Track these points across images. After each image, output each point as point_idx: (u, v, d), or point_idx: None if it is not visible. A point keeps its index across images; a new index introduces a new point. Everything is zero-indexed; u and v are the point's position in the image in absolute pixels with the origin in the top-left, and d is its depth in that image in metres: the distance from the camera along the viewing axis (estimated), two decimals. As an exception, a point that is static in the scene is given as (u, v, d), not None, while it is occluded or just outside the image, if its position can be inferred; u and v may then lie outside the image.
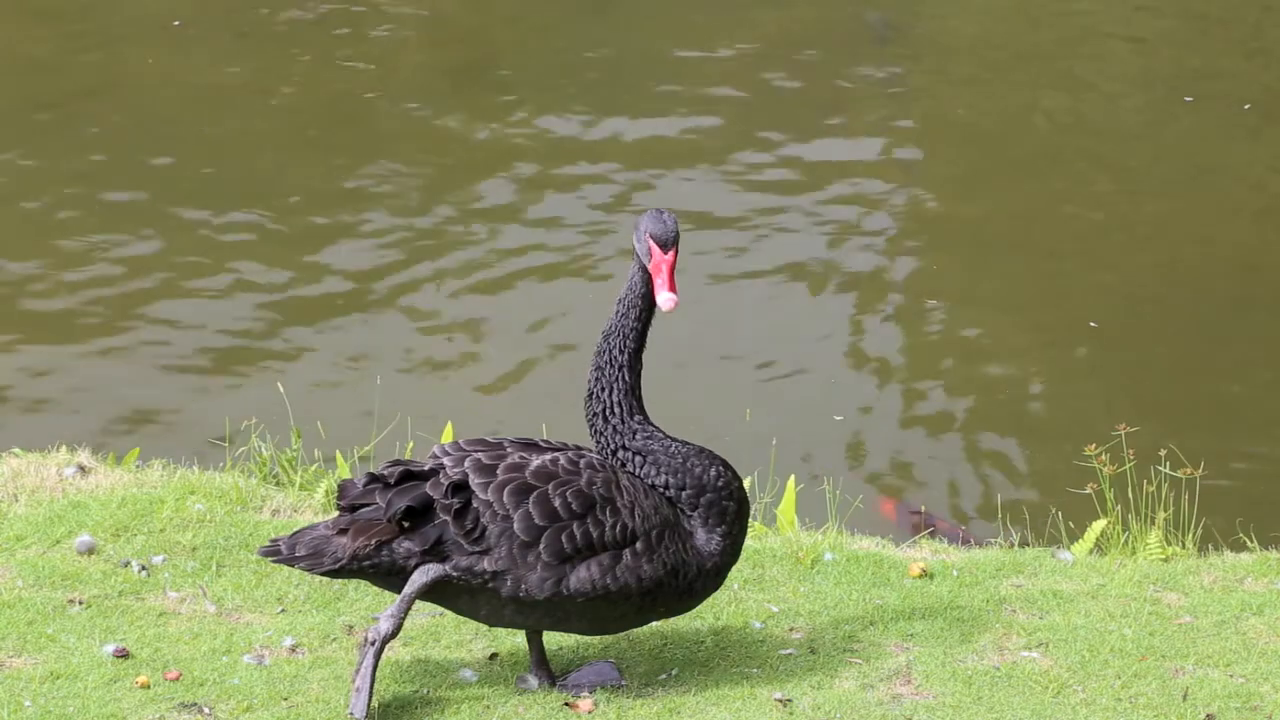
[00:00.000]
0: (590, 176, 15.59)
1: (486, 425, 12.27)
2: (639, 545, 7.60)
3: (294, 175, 15.48)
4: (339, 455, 10.18)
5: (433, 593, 7.57)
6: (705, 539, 7.73)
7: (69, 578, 8.65)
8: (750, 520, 8.02)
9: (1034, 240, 14.78)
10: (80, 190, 15.09)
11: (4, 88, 16.68)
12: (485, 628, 8.25)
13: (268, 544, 7.70)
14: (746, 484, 9.05)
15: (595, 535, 7.55)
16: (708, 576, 7.74)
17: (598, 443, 7.78)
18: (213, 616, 8.45)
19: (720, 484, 7.74)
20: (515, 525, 7.50)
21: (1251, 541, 9.48)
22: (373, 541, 7.52)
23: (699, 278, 14.11)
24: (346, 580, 8.13)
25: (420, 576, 7.51)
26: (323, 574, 7.58)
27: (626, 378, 7.74)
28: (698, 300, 13.81)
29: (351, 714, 7.53)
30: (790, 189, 15.46)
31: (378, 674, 7.69)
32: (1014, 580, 8.94)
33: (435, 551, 7.52)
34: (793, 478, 10.01)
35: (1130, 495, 9.56)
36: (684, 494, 7.73)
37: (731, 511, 7.75)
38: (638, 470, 7.74)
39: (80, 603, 8.46)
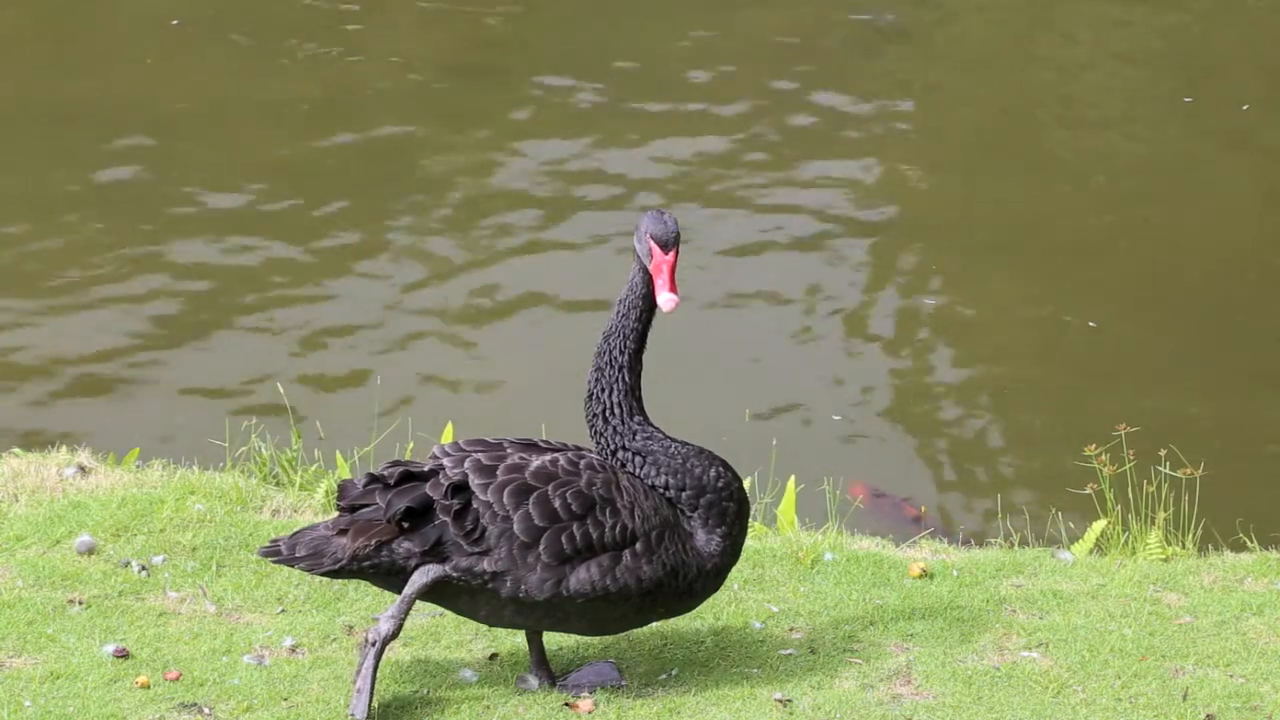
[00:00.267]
0: (591, 177, 15.58)
1: (487, 425, 12.26)
2: (639, 546, 7.60)
3: (293, 175, 15.48)
4: (339, 455, 10.18)
5: (433, 593, 7.57)
6: (705, 540, 7.73)
7: (69, 578, 8.65)
8: (750, 520, 8.01)
9: (1033, 240, 14.78)
10: (79, 190, 15.08)
11: (3, 88, 16.68)
12: (485, 628, 8.25)
13: (268, 544, 7.70)
14: (746, 484, 9.06)
15: (595, 536, 7.55)
16: (708, 577, 7.74)
17: (597, 443, 7.78)
18: (213, 616, 8.45)
19: (720, 484, 7.74)
20: (515, 526, 7.50)
21: (1251, 541, 9.48)
22: (372, 542, 7.52)
23: (699, 278, 14.10)
24: (346, 580, 8.14)
25: (420, 577, 7.51)
26: (322, 574, 7.58)
27: (626, 378, 7.73)
28: (698, 300, 13.81)
29: (352, 714, 7.53)
30: (789, 190, 15.45)
31: (378, 674, 7.69)
32: (1014, 580, 8.94)
33: (435, 552, 7.52)
34: (793, 478, 10.01)
35: (1130, 495, 9.56)
36: (684, 495, 7.73)
37: (731, 512, 7.75)
38: (637, 471, 7.74)
39: (80, 603, 8.46)
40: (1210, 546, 9.52)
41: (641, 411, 7.78)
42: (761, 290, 14.11)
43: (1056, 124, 16.55)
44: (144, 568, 8.75)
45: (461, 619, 8.19)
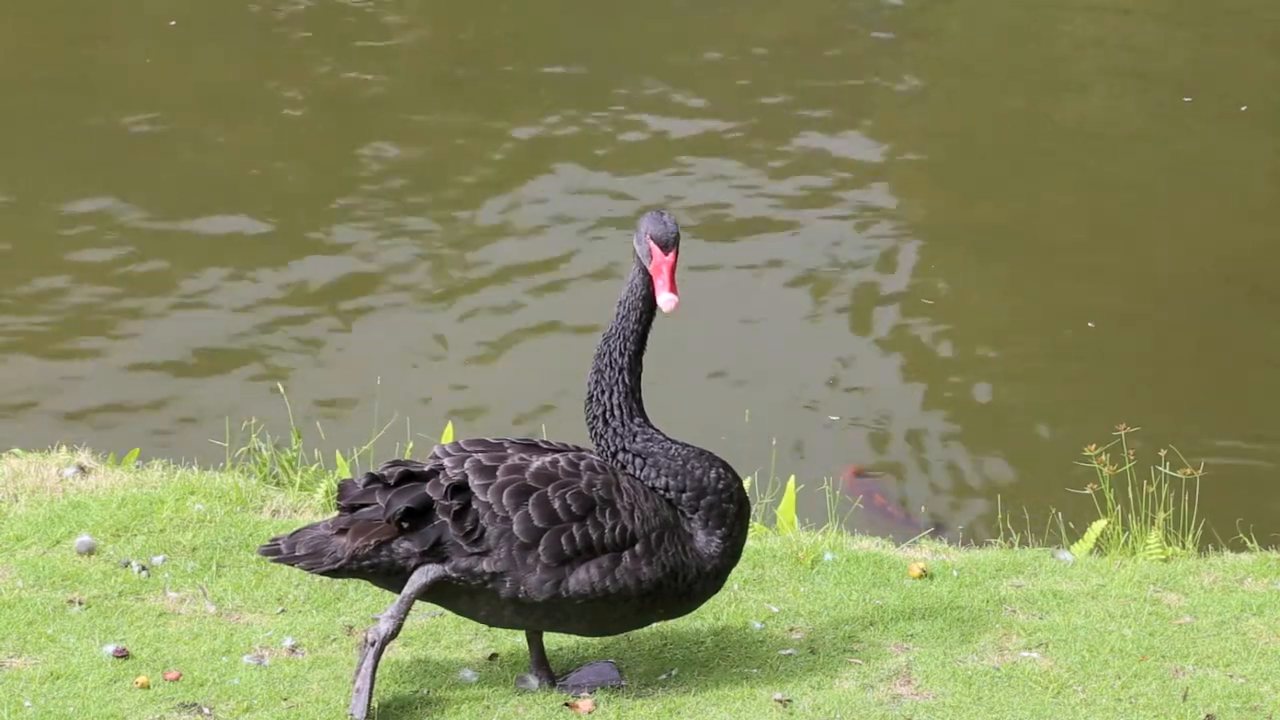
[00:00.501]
0: (591, 177, 15.59)
1: (487, 426, 12.27)
2: (638, 547, 7.59)
3: (293, 175, 15.48)
4: (339, 455, 10.18)
5: (432, 593, 7.57)
6: (705, 541, 7.73)
7: (69, 578, 8.65)
8: (750, 521, 8.01)
9: (1033, 240, 14.78)
10: (78, 190, 15.08)
11: (2, 88, 16.68)
12: (485, 628, 8.25)
13: (267, 543, 7.70)
14: (746, 484, 9.05)
15: (594, 537, 7.55)
16: (707, 579, 7.74)
17: (598, 445, 7.78)
18: (213, 617, 8.45)
19: (720, 486, 7.73)
20: (514, 527, 7.50)
21: (1251, 542, 9.48)
22: (372, 542, 7.52)
23: (698, 278, 14.10)
24: (346, 580, 8.14)
25: (420, 577, 7.51)
26: (322, 573, 7.58)
27: (627, 380, 7.73)
28: (697, 301, 13.81)
29: (352, 714, 7.53)
30: (788, 190, 15.45)
31: (378, 674, 7.69)
32: (1014, 580, 8.94)
33: (435, 552, 7.52)
34: (793, 478, 10.01)
35: (1130, 495, 9.56)
36: (684, 496, 7.73)
37: (731, 514, 7.75)
38: (638, 472, 7.73)
39: (80, 603, 8.46)
40: (1210, 547, 9.52)
41: (642, 413, 7.78)
42: (761, 290, 14.11)
43: (1056, 124, 16.54)
44: (144, 568, 8.75)
45: (461, 619, 8.19)
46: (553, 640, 8.11)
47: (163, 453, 10.15)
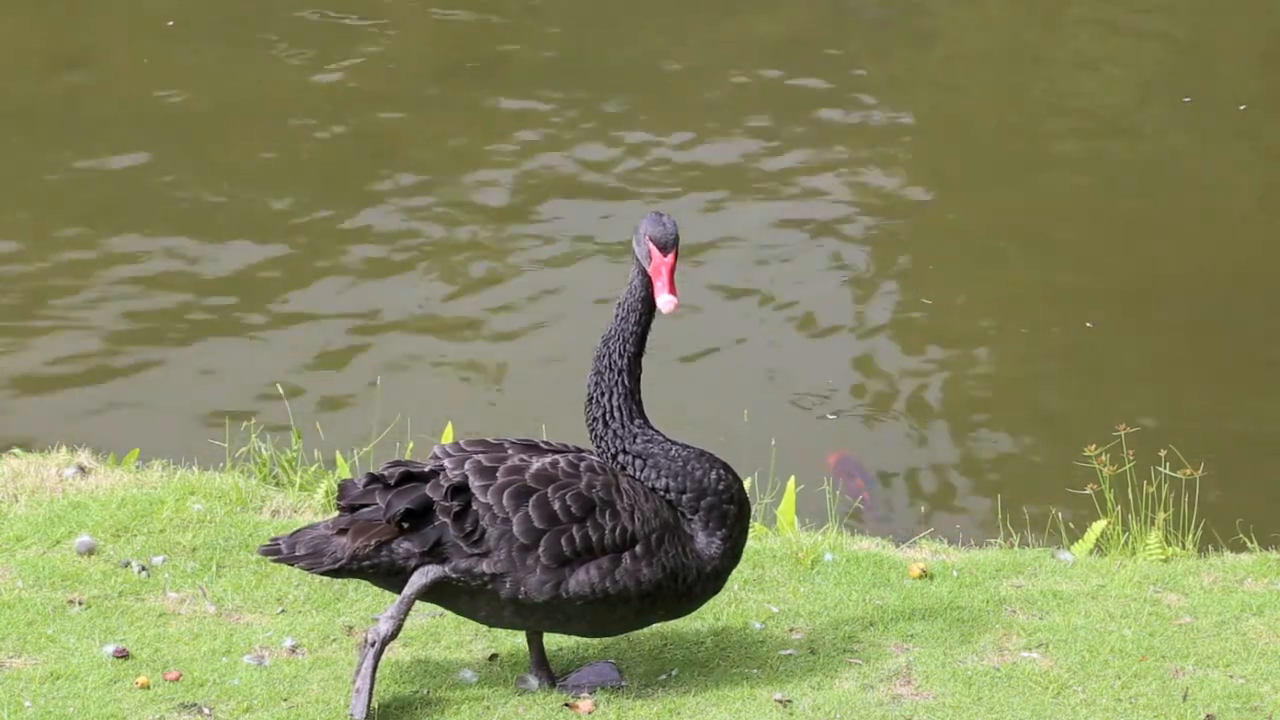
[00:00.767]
0: (591, 178, 15.58)
1: (487, 426, 12.27)
2: (638, 549, 7.59)
3: (293, 175, 15.47)
4: (339, 456, 10.18)
5: (432, 594, 7.57)
6: (705, 543, 7.72)
7: (69, 578, 8.65)
8: (750, 522, 8.00)
9: (1033, 240, 14.78)
10: (77, 191, 15.08)
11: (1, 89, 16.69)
12: (485, 628, 8.25)
13: (268, 543, 7.70)
14: (746, 485, 9.04)
15: (594, 538, 7.54)
16: (707, 580, 7.73)
17: (598, 447, 7.77)
18: (213, 617, 8.45)
19: (721, 487, 7.73)
20: (514, 528, 7.50)
21: (1251, 542, 9.48)
22: (372, 542, 7.52)
23: (698, 278, 14.10)
24: (346, 580, 8.14)
25: (420, 578, 7.51)
26: (322, 574, 7.58)
27: (626, 382, 7.73)
28: (696, 301, 13.81)
29: (352, 715, 7.53)
30: (786, 190, 15.44)
31: (377, 675, 7.69)
32: (1014, 581, 8.94)
33: (435, 553, 7.52)
34: (793, 478, 10.01)
35: (1130, 496, 9.56)
36: (684, 497, 7.72)
37: (732, 515, 7.74)
38: (638, 474, 7.73)
39: (80, 603, 8.46)
40: (1210, 547, 9.52)
41: (642, 414, 7.77)
42: (760, 291, 14.11)
43: (1055, 124, 16.54)
44: (144, 568, 8.75)
45: (461, 619, 8.19)
46: (553, 640, 8.11)
47: (163, 453, 10.15)
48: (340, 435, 10.97)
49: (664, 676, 8.02)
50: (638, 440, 7.73)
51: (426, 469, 7.60)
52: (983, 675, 8.04)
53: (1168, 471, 9.62)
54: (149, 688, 7.81)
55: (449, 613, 8.08)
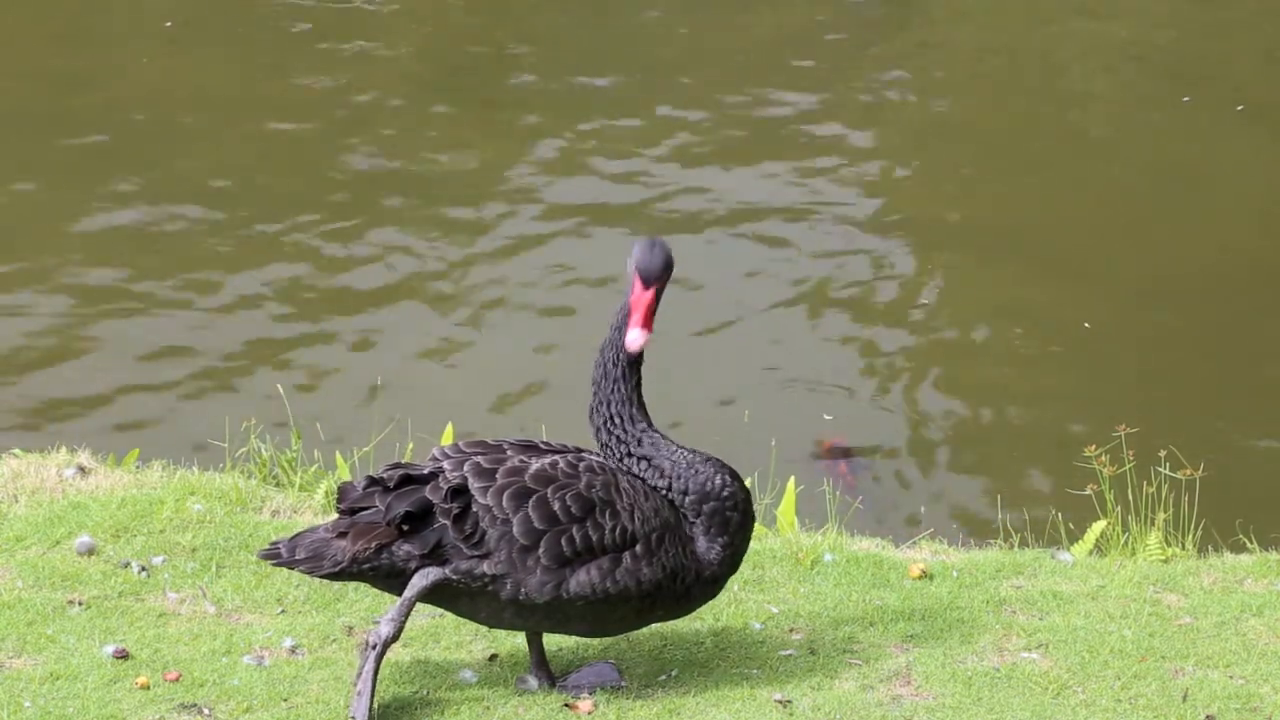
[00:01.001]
0: (590, 177, 15.59)
1: (486, 427, 12.27)
2: (638, 548, 7.59)
3: (293, 175, 15.48)
4: (339, 456, 10.18)
5: (433, 595, 7.57)
6: (705, 548, 7.71)
7: (69, 578, 8.65)
8: (752, 532, 7.95)
9: (1032, 240, 14.78)
10: (76, 191, 15.09)
11: None
12: (485, 629, 8.25)
13: (267, 547, 7.70)
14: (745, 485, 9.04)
15: (595, 538, 7.54)
16: (704, 584, 7.72)
17: (604, 453, 7.76)
18: (212, 617, 8.45)
19: (725, 494, 7.71)
20: (514, 529, 7.50)
21: (1251, 543, 9.48)
22: (372, 545, 7.52)
23: (697, 277, 14.11)
24: (346, 581, 8.14)
25: (420, 580, 7.50)
26: (322, 577, 7.58)
27: (623, 389, 7.70)
28: (696, 301, 13.82)
29: (352, 716, 7.53)
30: (785, 190, 15.45)
31: (378, 676, 7.69)
32: (1014, 581, 8.94)
33: (435, 555, 7.51)
34: (792, 479, 10.01)
35: (1130, 496, 9.57)
36: (687, 499, 7.72)
37: (734, 523, 7.72)
38: (642, 473, 7.72)
39: (80, 603, 8.46)
40: (1210, 547, 9.52)
41: (645, 418, 7.76)
42: (760, 290, 14.11)
43: (1054, 123, 16.55)
44: (144, 568, 8.75)
45: (461, 620, 8.19)
46: (552, 641, 8.11)
47: (162, 453, 10.15)
48: (340, 436, 10.98)
49: (664, 677, 8.02)
50: (642, 444, 7.73)
51: (426, 471, 7.59)
52: (983, 676, 8.04)
53: (1167, 472, 9.62)
54: (149, 688, 7.81)
55: (449, 614, 8.08)
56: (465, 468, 7.55)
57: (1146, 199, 15.37)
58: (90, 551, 8.84)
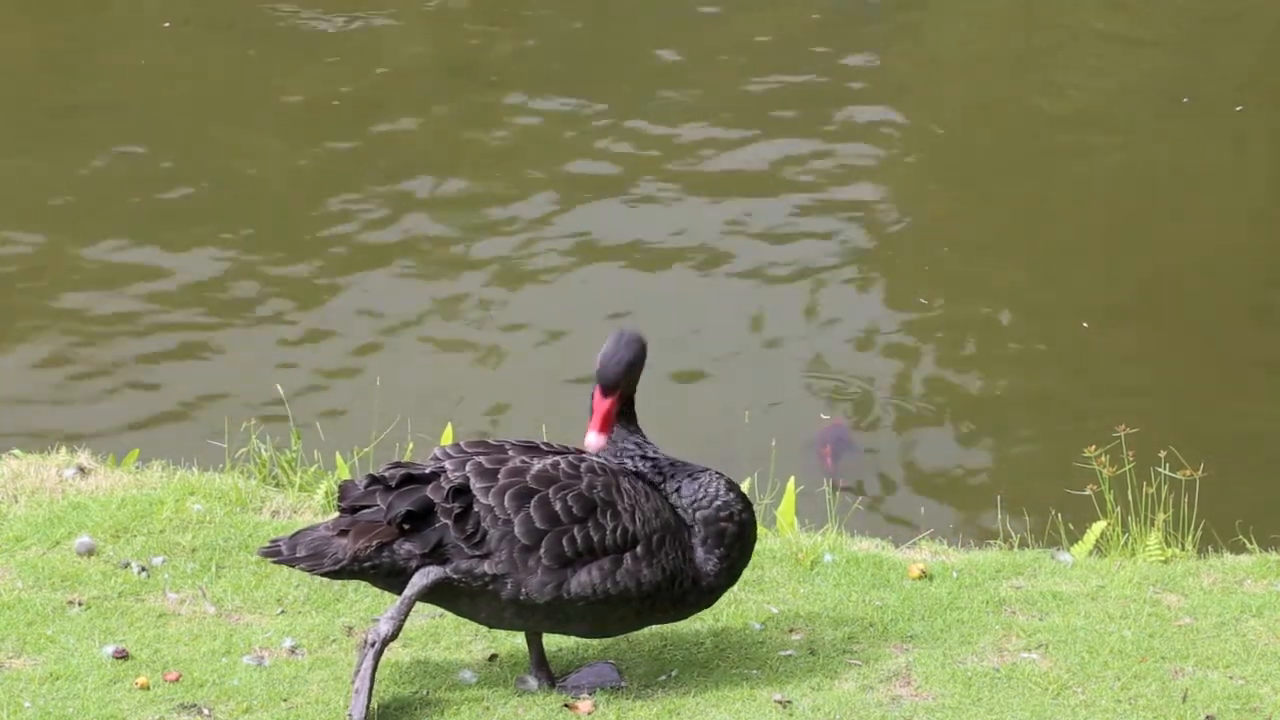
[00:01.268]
0: (590, 178, 15.58)
1: (486, 426, 12.27)
2: (639, 549, 7.59)
3: (292, 176, 15.47)
4: (339, 456, 10.18)
5: (433, 594, 7.58)
6: (703, 559, 7.71)
7: (68, 579, 8.64)
8: (752, 550, 7.92)
9: (1031, 240, 14.78)
10: (75, 191, 15.08)
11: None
12: (484, 629, 8.25)
13: (268, 544, 7.70)
14: (745, 486, 9.04)
15: (596, 539, 7.55)
16: (701, 592, 7.73)
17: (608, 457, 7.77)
18: (212, 618, 8.45)
19: (719, 503, 7.71)
20: (516, 529, 7.50)
21: (1251, 543, 9.48)
22: (373, 543, 7.52)
23: (697, 278, 14.10)
24: (346, 581, 8.14)
25: (421, 579, 7.51)
26: (323, 575, 7.58)
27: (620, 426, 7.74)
28: (696, 301, 13.81)
29: (351, 715, 7.54)
30: (785, 190, 15.44)
31: (377, 675, 7.69)
32: (1014, 582, 8.94)
33: (436, 554, 7.52)
34: (792, 479, 10.01)
35: (1130, 497, 9.56)
36: (685, 501, 7.72)
37: (730, 535, 7.71)
38: (646, 470, 7.73)
39: (80, 604, 8.46)
40: (1210, 548, 9.51)
41: (639, 433, 7.77)
42: (759, 291, 14.11)
43: (1053, 123, 16.54)
44: (144, 569, 8.75)
45: (461, 620, 8.19)
46: (552, 641, 8.11)
47: (162, 453, 10.15)
48: (340, 436, 10.97)
49: (664, 677, 8.02)
50: (646, 451, 7.75)
51: (427, 471, 7.60)
52: (982, 676, 8.04)
53: (1167, 472, 9.62)
54: (148, 688, 7.81)
55: (448, 613, 8.08)
56: (467, 468, 7.56)
57: (1146, 199, 15.37)
58: (90, 552, 8.84)
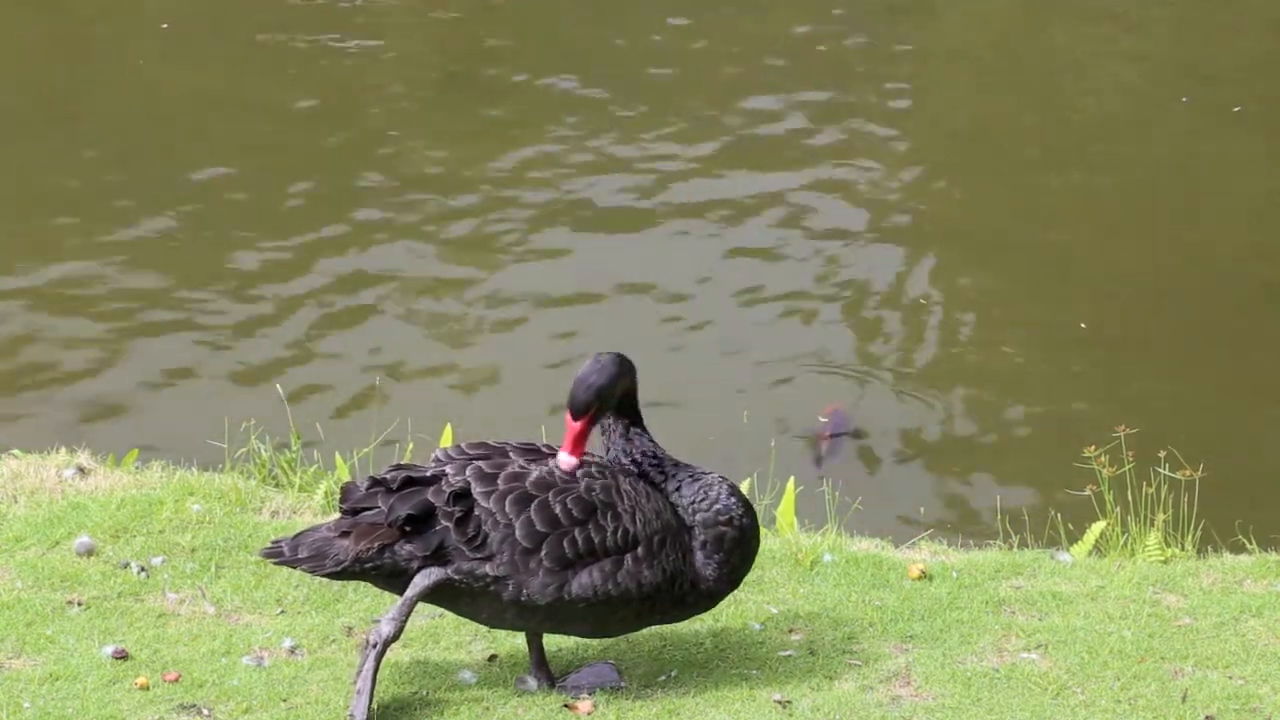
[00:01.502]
0: (590, 178, 15.58)
1: (486, 428, 12.26)
2: (640, 550, 7.60)
3: (291, 177, 15.47)
4: (338, 457, 10.18)
5: (434, 595, 7.58)
6: (703, 563, 7.71)
7: (68, 579, 8.64)
8: (754, 557, 7.92)
9: (1031, 240, 14.78)
10: (75, 192, 15.08)
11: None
12: (484, 629, 8.25)
13: (270, 545, 7.70)
14: (745, 486, 9.05)
15: (597, 541, 7.55)
16: (700, 595, 7.73)
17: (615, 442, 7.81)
18: (212, 618, 8.45)
19: (719, 507, 7.71)
20: (517, 532, 7.50)
21: (1250, 543, 9.48)
22: (375, 545, 7.53)
23: (696, 278, 14.11)
24: (346, 582, 8.14)
25: (422, 580, 7.51)
26: (324, 575, 7.58)
27: (620, 427, 7.75)
28: (696, 301, 13.81)
29: (352, 715, 7.54)
30: (784, 189, 15.45)
31: (378, 676, 7.69)
32: (1013, 582, 8.94)
33: (437, 556, 7.52)
34: (792, 479, 10.01)
35: (1129, 497, 9.56)
36: (685, 501, 7.73)
37: (730, 539, 7.71)
38: (649, 468, 7.73)
39: (79, 604, 8.46)
40: (1209, 548, 9.51)
41: (643, 433, 7.79)
42: (759, 291, 14.11)
43: (1053, 124, 16.54)
44: (143, 569, 8.75)
45: (461, 620, 8.20)
46: (552, 641, 8.11)
47: (162, 454, 10.15)
48: (340, 436, 10.97)
49: (663, 677, 8.02)
50: (650, 451, 7.77)
51: (428, 473, 7.60)
52: (982, 676, 8.04)
53: (1167, 472, 9.62)
54: (148, 688, 7.81)
55: (449, 614, 8.09)
56: (468, 471, 7.56)
57: (1145, 199, 15.37)
58: (89, 552, 8.84)
